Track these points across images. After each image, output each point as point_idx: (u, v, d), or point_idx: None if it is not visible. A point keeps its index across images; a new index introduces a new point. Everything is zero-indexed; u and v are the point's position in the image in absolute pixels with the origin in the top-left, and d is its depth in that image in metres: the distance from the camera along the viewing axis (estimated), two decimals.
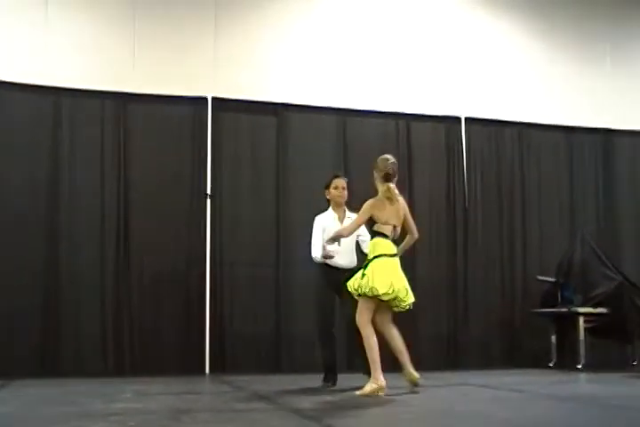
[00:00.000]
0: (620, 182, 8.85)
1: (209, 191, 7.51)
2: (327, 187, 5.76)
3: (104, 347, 7.00)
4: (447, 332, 7.92)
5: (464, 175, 8.36)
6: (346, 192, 5.73)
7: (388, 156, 5.29)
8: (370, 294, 4.91)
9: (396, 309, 5.09)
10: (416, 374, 5.04)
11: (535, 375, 6.89)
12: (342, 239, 5.40)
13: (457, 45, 8.58)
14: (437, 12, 8.58)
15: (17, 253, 6.84)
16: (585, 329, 7.39)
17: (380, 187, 5.15)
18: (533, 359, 7.88)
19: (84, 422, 3.74)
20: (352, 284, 5.02)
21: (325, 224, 5.64)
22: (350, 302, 5.26)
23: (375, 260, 5.00)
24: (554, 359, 7.75)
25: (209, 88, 7.64)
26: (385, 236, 5.06)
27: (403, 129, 8.22)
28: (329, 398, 4.89)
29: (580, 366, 7.27)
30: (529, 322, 8.07)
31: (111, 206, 7.25)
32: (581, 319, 7.39)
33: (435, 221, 8.14)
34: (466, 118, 8.45)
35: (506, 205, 8.44)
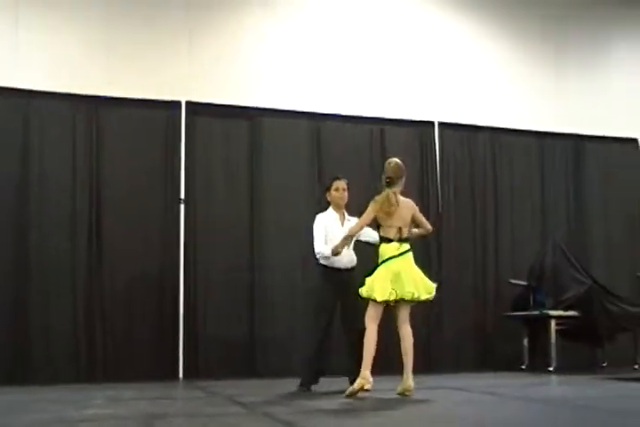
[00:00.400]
0: (590, 186, 8.98)
1: (182, 196, 7.48)
2: (327, 189, 5.79)
3: (76, 353, 6.92)
4: (420, 335, 7.89)
5: (437, 179, 8.42)
6: (346, 194, 5.77)
7: (392, 159, 5.39)
8: (371, 298, 5.04)
9: (411, 303, 5.14)
10: (410, 383, 4.99)
11: (507, 378, 6.95)
12: (337, 236, 5.45)
13: (430, 51, 8.66)
14: (411, 18, 8.65)
15: None
16: (556, 332, 7.48)
17: (383, 191, 5.23)
18: (506, 362, 7.95)
19: None
20: (363, 291, 5.13)
21: (327, 223, 5.67)
22: (352, 305, 5.34)
23: (380, 266, 5.10)
24: (526, 362, 7.83)
25: (183, 92, 7.62)
26: (389, 240, 5.13)
27: (376, 134, 8.26)
28: (304, 402, 4.89)
29: (551, 369, 7.35)
30: (501, 325, 8.14)
31: (83, 212, 7.17)
32: (553, 322, 7.48)
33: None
34: (439, 123, 8.52)
35: (478, 208, 8.53)
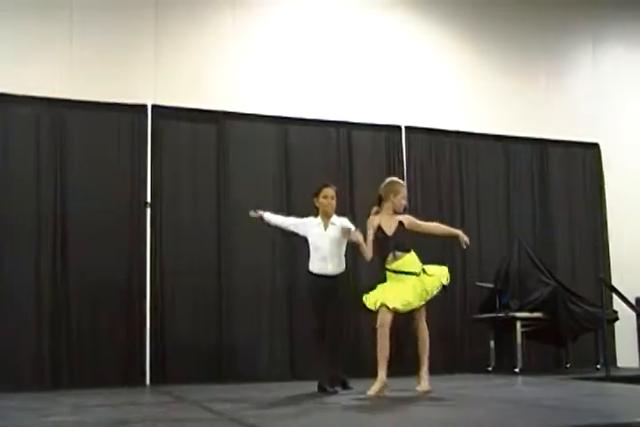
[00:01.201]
0: (555, 191, 9.11)
1: (149, 200, 7.41)
2: (316, 195, 5.78)
3: (40, 359, 6.80)
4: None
5: (404, 183, 8.44)
6: (334, 201, 5.78)
7: (389, 178, 5.60)
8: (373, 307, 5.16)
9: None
10: (426, 385, 5.22)
11: (474, 380, 7.01)
12: (321, 248, 5.59)
13: (397, 55, 8.72)
14: (378, 23, 8.70)
15: None
16: (522, 333, 7.57)
17: None
18: (473, 364, 8.03)
19: None
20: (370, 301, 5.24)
21: (308, 228, 5.74)
22: (332, 311, 5.45)
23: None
24: (492, 363, 7.91)
25: (149, 95, 7.56)
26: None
27: (343, 137, 8.29)
28: (271, 405, 4.87)
29: (517, 370, 7.43)
30: (469, 328, 8.22)
31: (48, 215, 7.07)
32: (519, 324, 7.57)
33: None
34: (406, 127, 8.58)
35: (445, 212, 8.59)
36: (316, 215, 5.83)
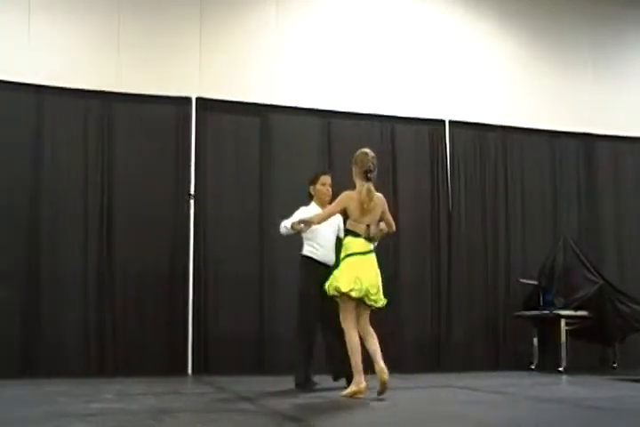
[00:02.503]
0: (602, 185, 8.91)
1: (192, 191, 7.48)
2: (313, 183, 5.73)
3: (86, 347, 6.94)
4: (430, 334, 7.92)
5: (448, 178, 8.38)
6: (330, 190, 5.70)
7: (367, 150, 5.08)
8: (335, 293, 4.85)
9: (370, 308, 4.95)
10: (385, 371, 4.73)
11: (517, 377, 6.91)
12: (325, 236, 5.42)
13: (442, 49, 8.61)
14: (423, 15, 8.61)
15: None
16: (566, 332, 7.43)
17: (359, 184, 4.97)
18: (516, 362, 7.91)
19: (62, 422, 3.70)
20: (326, 286, 4.96)
21: (307, 216, 5.59)
22: (329, 302, 5.16)
23: (345, 259, 4.90)
24: (536, 361, 7.79)
25: (193, 88, 7.62)
26: (357, 235, 4.92)
27: (387, 131, 8.23)
28: (311, 399, 4.87)
29: (561, 369, 7.30)
30: (512, 324, 8.10)
31: (94, 206, 7.20)
32: (563, 322, 7.43)
33: (419, 223, 8.15)
34: (450, 121, 8.47)
35: (489, 207, 8.48)
36: (307, 203, 5.75)
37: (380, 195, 5.06)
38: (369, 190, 4.92)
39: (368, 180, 4.96)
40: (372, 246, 4.98)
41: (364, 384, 4.81)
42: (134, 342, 7.04)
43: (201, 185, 7.51)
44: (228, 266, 7.38)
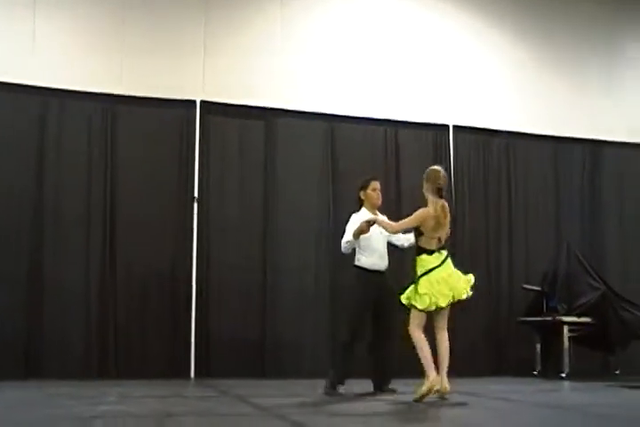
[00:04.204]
0: (606, 192, 8.91)
1: (196, 195, 7.48)
2: (363, 188, 5.77)
3: (89, 349, 6.93)
4: (434, 339, 7.88)
5: (451, 183, 8.35)
6: (380, 195, 5.79)
7: (439, 167, 5.30)
8: (432, 307, 5.04)
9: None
10: (447, 386, 5.03)
11: (520, 383, 6.90)
12: (378, 241, 5.54)
13: (446, 54, 8.62)
14: (428, 20, 8.62)
15: (1, 259, 6.78)
16: (569, 338, 7.42)
17: (432, 201, 5.13)
18: (518, 367, 7.89)
19: (65, 425, 3.70)
20: (403, 297, 5.13)
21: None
22: (388, 306, 5.42)
23: (423, 277, 5.05)
24: (538, 367, 7.77)
25: (198, 92, 7.64)
26: (429, 252, 5.09)
27: (390, 136, 8.24)
28: (314, 402, 4.87)
29: (563, 375, 7.29)
30: (515, 330, 8.09)
31: (97, 209, 7.20)
32: (566, 328, 7.42)
33: None
34: (454, 126, 8.48)
35: (492, 213, 8.47)
36: (358, 209, 5.78)
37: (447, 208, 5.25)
38: (443, 207, 5.12)
39: (441, 197, 5.15)
40: (445, 253, 5.14)
41: (434, 374, 4.92)
42: (137, 345, 7.03)
43: (205, 189, 7.51)
44: (231, 270, 7.37)
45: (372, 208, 5.74)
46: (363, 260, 5.60)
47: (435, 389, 4.90)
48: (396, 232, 5.37)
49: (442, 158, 8.36)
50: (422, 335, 5.06)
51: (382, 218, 5.60)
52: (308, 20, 8.24)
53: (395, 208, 7.54)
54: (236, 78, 7.81)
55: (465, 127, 8.51)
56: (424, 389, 4.88)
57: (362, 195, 5.78)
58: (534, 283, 8.02)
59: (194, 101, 7.60)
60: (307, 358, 7.44)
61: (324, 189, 7.86)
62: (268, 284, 7.50)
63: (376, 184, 5.77)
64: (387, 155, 8.17)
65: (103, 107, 7.35)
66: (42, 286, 6.91)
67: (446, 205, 5.17)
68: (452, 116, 8.50)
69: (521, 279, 8.24)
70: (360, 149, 8.03)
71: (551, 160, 8.82)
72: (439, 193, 5.15)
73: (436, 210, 5.08)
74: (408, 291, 5.12)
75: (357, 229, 5.38)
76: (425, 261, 5.09)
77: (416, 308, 5.03)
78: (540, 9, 8.98)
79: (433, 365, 4.98)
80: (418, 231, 5.15)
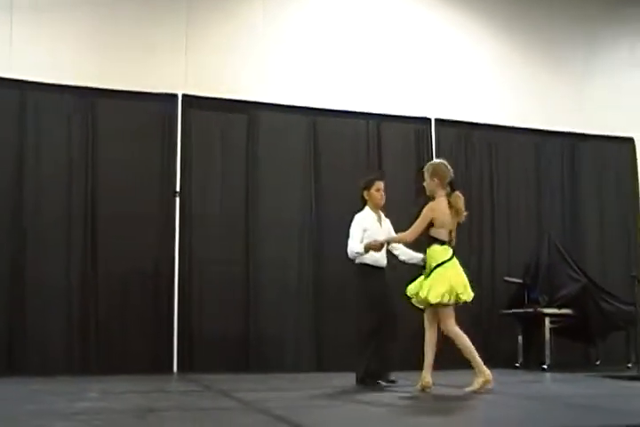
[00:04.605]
0: (586, 185, 8.98)
1: (178, 189, 7.44)
2: (367, 188, 5.76)
3: (70, 345, 6.88)
4: (417, 331, 7.91)
5: None
6: (384, 195, 5.79)
7: (444, 161, 5.31)
8: (425, 304, 5.08)
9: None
10: (429, 380, 5.12)
11: (502, 375, 6.90)
12: (377, 237, 5.51)
13: (428, 47, 8.63)
14: (408, 14, 8.63)
15: None
16: (550, 330, 7.48)
17: (442, 193, 5.16)
18: (500, 359, 7.91)
19: (47, 420, 3.67)
20: (413, 291, 5.18)
21: (367, 225, 5.65)
22: (391, 305, 5.53)
23: (436, 269, 5.07)
24: (520, 359, 7.83)
25: (180, 85, 7.58)
26: (441, 242, 5.10)
27: (373, 129, 8.24)
28: (297, 396, 4.87)
29: (545, 366, 7.35)
30: (497, 322, 8.14)
31: (78, 204, 7.13)
32: (547, 320, 7.48)
33: (404, 221, 8.11)
34: (436, 119, 8.50)
35: (474, 205, 8.47)
36: (361, 208, 5.78)
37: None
38: (459, 198, 5.16)
39: (453, 189, 5.18)
40: (451, 250, 5.16)
41: (489, 374, 5.06)
42: (119, 341, 6.99)
43: (187, 183, 7.47)
44: (213, 264, 7.34)
45: (376, 208, 5.76)
46: (367, 256, 5.60)
47: (489, 386, 5.00)
48: (413, 240, 5.31)
49: (424, 151, 8.38)
50: (460, 331, 5.12)
51: (388, 226, 5.71)
52: (290, 12, 8.21)
53: None
54: (218, 72, 7.77)
55: (447, 120, 8.52)
56: (476, 384, 5.01)
57: (365, 194, 5.77)
58: (516, 275, 8.08)
59: (175, 95, 7.55)
60: (289, 352, 7.45)
61: (306, 182, 7.85)
62: (251, 279, 7.48)
63: (380, 184, 5.77)
64: (369, 148, 8.18)
65: (83, 100, 7.27)
66: (23, 282, 6.84)
67: (461, 196, 5.18)
68: (434, 110, 8.51)
69: (503, 272, 8.29)
70: (342, 143, 8.03)
71: (532, 153, 8.86)
72: (451, 186, 5.19)
73: (455, 202, 5.11)
74: (427, 288, 5.05)
75: (371, 246, 5.39)
76: (436, 254, 5.09)
77: (444, 305, 5.04)
78: (525, 3, 9.01)
79: (480, 360, 5.10)
80: (428, 224, 5.16)
